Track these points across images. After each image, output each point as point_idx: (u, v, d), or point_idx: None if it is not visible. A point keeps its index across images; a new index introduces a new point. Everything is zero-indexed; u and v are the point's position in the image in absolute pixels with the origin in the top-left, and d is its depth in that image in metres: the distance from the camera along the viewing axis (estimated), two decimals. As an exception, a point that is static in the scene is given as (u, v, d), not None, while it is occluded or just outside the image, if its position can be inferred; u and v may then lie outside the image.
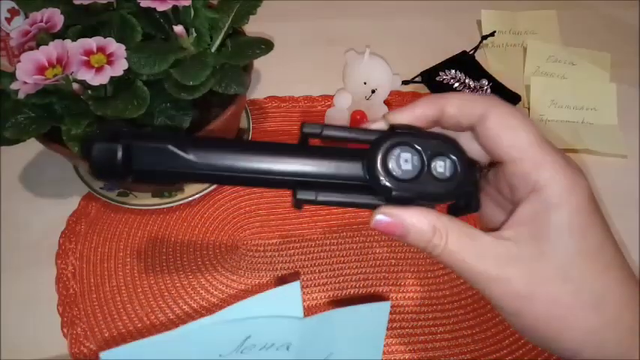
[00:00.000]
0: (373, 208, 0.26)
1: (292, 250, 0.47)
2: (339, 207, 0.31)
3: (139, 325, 0.43)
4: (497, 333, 0.43)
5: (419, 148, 0.26)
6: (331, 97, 0.54)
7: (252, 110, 0.57)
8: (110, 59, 0.38)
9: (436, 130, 0.29)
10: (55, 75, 0.37)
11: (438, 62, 0.64)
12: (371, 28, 0.68)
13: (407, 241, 0.26)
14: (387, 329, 0.43)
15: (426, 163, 0.26)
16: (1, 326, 0.43)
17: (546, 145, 0.25)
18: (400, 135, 0.26)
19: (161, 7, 0.40)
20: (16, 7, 0.48)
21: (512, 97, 0.59)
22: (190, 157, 0.25)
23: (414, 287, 0.45)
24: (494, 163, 0.28)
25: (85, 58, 0.38)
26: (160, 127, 0.41)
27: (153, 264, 0.46)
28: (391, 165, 0.26)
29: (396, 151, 0.26)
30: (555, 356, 0.41)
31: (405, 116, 0.27)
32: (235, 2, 0.45)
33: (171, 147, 0.25)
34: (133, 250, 0.47)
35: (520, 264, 0.25)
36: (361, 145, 0.27)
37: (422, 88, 0.62)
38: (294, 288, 0.35)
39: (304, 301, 0.44)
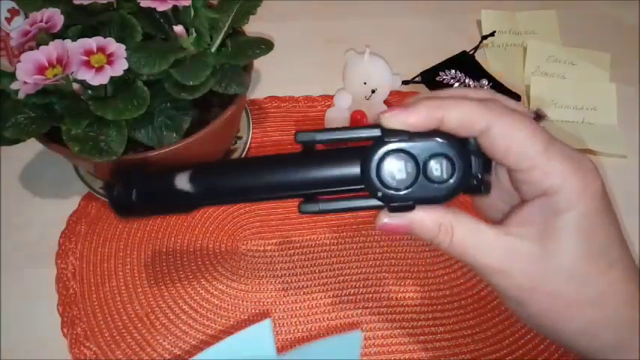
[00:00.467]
0: (379, 208, 0.27)
1: (292, 250, 0.47)
2: (344, 213, 0.32)
3: (139, 325, 0.43)
4: (497, 333, 0.43)
5: (412, 153, 0.25)
6: (331, 97, 0.54)
7: (252, 110, 0.57)
8: (110, 59, 0.38)
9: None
10: (55, 75, 0.37)
11: (438, 62, 0.64)
12: (371, 28, 0.68)
13: (413, 236, 0.27)
14: (387, 329, 0.43)
15: (421, 167, 0.25)
16: (1, 326, 0.43)
17: (555, 150, 0.25)
18: (391, 141, 0.25)
19: (161, 7, 0.40)
20: (16, 7, 0.48)
21: (512, 97, 0.59)
22: (194, 190, 0.28)
23: (414, 287, 0.45)
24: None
25: (85, 58, 0.38)
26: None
27: (153, 264, 0.46)
28: (385, 176, 0.25)
29: (389, 160, 0.25)
30: (555, 357, 0.42)
31: (398, 122, 0.26)
32: (235, 2, 0.45)
33: (177, 184, 0.28)
34: (132, 250, 0.47)
35: (523, 259, 0.25)
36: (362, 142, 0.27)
37: (422, 88, 0.62)
38: (265, 327, 0.36)
39: (304, 301, 0.44)
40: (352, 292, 0.45)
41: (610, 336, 0.26)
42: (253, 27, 0.47)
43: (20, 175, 0.52)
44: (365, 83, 0.50)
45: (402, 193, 0.25)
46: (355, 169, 0.26)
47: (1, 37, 0.52)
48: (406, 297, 0.45)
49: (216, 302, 0.44)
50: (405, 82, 0.61)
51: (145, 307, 0.44)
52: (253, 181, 0.27)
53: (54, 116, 0.40)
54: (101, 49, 0.38)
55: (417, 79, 0.62)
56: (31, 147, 0.44)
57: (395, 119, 0.26)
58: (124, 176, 0.29)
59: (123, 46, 0.39)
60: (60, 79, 0.37)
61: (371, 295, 0.45)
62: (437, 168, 0.25)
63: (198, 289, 0.45)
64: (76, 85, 0.39)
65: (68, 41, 0.38)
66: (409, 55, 0.64)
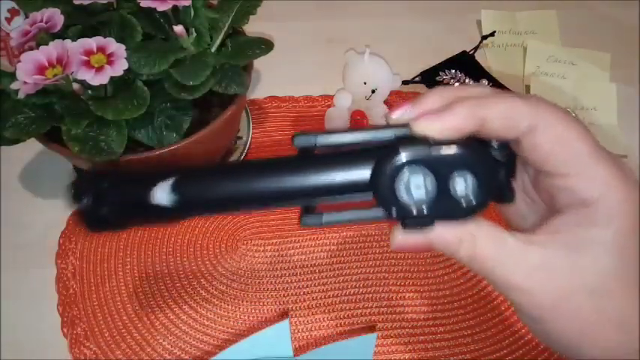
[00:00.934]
0: (389, 220, 0.23)
1: (292, 250, 0.47)
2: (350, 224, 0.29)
3: (139, 325, 0.43)
4: (497, 333, 0.43)
5: (433, 164, 0.22)
6: (331, 97, 0.54)
7: (252, 110, 0.57)
8: (110, 59, 0.38)
9: None
10: (55, 75, 0.37)
11: (438, 62, 0.64)
12: (371, 28, 0.68)
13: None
14: (387, 329, 0.43)
15: (442, 182, 0.22)
16: (2, 326, 0.43)
17: (601, 157, 0.22)
18: (408, 150, 0.22)
19: (161, 7, 0.40)
20: (16, 7, 0.48)
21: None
22: (178, 202, 0.23)
23: (414, 287, 0.45)
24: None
25: (85, 58, 0.38)
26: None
27: (153, 264, 0.46)
28: (400, 192, 0.22)
29: (405, 174, 0.22)
30: (555, 357, 0.42)
31: (434, 129, 0.22)
32: (235, 2, 0.45)
33: (157, 196, 0.24)
34: (133, 250, 0.47)
35: (546, 273, 0.23)
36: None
37: (422, 88, 0.62)
38: (283, 327, 0.36)
39: (304, 301, 0.44)
40: (352, 292, 0.45)
41: None
42: (253, 27, 0.47)
43: (20, 175, 0.52)
44: (365, 83, 0.50)
45: (420, 209, 0.22)
46: (363, 175, 0.23)
47: (1, 37, 0.52)
48: (406, 297, 0.45)
49: (216, 302, 0.44)
50: (405, 82, 0.61)
51: (145, 307, 0.44)
52: (247, 189, 0.24)
53: (54, 116, 0.40)
54: (101, 49, 0.38)
55: (417, 79, 0.62)
56: (31, 147, 0.44)
57: (430, 125, 0.22)
58: (93, 185, 0.24)
59: (123, 46, 0.39)
60: (60, 79, 0.37)
61: (371, 295, 0.45)
62: (460, 182, 0.22)
63: (198, 289, 0.45)
64: (76, 85, 0.39)
65: (68, 41, 0.38)
66: (409, 55, 0.64)
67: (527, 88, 0.62)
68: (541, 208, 0.26)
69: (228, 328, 0.43)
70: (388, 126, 0.24)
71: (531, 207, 0.27)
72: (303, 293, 0.45)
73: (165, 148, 0.41)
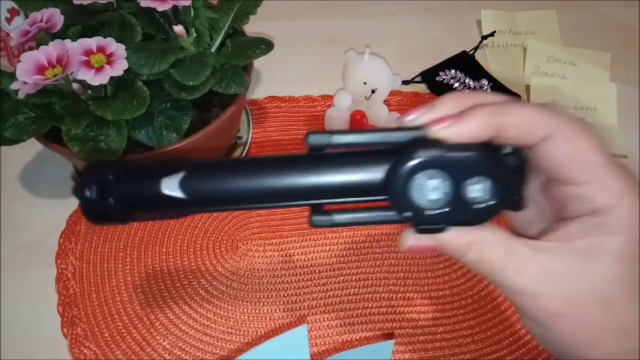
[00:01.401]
0: (401, 222, 0.24)
1: (292, 251, 0.47)
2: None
3: (139, 325, 0.43)
4: (497, 333, 0.43)
5: (449, 168, 0.22)
6: (331, 97, 0.54)
7: (252, 110, 0.57)
8: (110, 59, 0.38)
9: None
10: (55, 75, 0.37)
11: (438, 62, 0.64)
12: (371, 28, 0.68)
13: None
14: (387, 329, 0.43)
15: (459, 186, 0.22)
16: (1, 326, 0.43)
17: (613, 167, 0.23)
18: (424, 152, 0.22)
19: (161, 7, 0.40)
20: (16, 7, 0.48)
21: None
22: (186, 197, 0.23)
23: (414, 287, 0.45)
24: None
25: (85, 58, 0.38)
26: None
27: (153, 264, 0.46)
28: (415, 195, 0.22)
29: (420, 177, 0.22)
30: (555, 358, 0.42)
31: (455, 133, 0.22)
32: (235, 2, 0.45)
33: (165, 190, 0.23)
34: (133, 250, 0.47)
35: (554, 279, 0.23)
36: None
37: (422, 88, 0.62)
38: (301, 332, 0.36)
39: (304, 301, 0.44)
40: (352, 292, 0.45)
41: None
42: (253, 27, 0.47)
43: (20, 175, 0.52)
44: (365, 83, 0.50)
45: (434, 213, 0.22)
46: (377, 176, 0.23)
47: (1, 37, 0.52)
48: (406, 297, 0.45)
49: (216, 302, 0.44)
50: (405, 82, 0.61)
51: (145, 307, 0.44)
52: (260, 186, 0.23)
53: (54, 116, 0.40)
54: (101, 49, 0.39)
55: (417, 79, 0.62)
56: (31, 147, 0.44)
57: (448, 129, 0.23)
58: (98, 177, 0.24)
59: (123, 46, 0.39)
60: (60, 79, 0.37)
61: (371, 295, 0.45)
62: (475, 187, 0.22)
63: (198, 289, 0.45)
64: (76, 85, 0.39)
65: (68, 41, 0.38)
66: (409, 55, 0.64)
67: (527, 88, 0.62)
68: (547, 214, 0.26)
69: (228, 328, 0.43)
70: (402, 128, 0.23)
71: (538, 213, 0.27)
72: (303, 293, 0.45)
73: (165, 148, 0.41)
